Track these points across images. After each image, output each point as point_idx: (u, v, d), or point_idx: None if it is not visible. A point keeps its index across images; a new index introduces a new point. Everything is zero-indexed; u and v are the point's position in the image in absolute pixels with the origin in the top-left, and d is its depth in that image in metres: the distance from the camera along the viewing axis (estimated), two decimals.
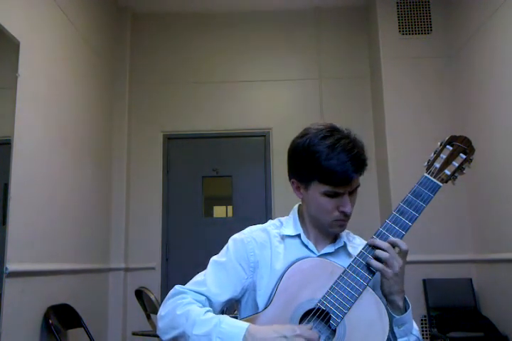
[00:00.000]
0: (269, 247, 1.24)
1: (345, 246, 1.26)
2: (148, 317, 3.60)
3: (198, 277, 1.23)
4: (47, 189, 3.14)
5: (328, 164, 1.13)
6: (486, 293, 3.83)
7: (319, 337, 1.06)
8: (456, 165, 1.18)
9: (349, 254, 1.24)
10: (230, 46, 4.85)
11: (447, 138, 1.21)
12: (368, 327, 1.10)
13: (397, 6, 4.42)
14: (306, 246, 1.24)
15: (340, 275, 1.12)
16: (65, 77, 3.50)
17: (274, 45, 4.84)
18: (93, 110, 4.06)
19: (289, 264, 1.16)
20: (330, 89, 4.73)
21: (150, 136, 4.71)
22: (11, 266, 2.59)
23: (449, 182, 1.19)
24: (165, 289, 4.37)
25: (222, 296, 1.19)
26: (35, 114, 3.03)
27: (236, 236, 1.28)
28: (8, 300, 2.58)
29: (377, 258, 1.12)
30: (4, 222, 2.61)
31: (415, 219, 1.14)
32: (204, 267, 1.26)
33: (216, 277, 1.21)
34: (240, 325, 1.07)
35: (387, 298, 1.14)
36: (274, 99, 4.77)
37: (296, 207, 1.33)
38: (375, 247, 1.13)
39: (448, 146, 1.20)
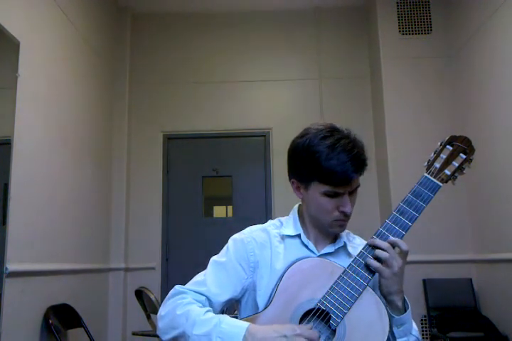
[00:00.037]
0: (269, 247, 1.24)
1: (345, 246, 1.26)
2: (148, 317, 3.60)
3: (198, 277, 1.23)
4: (47, 189, 3.14)
5: (328, 164, 1.13)
6: (486, 293, 3.83)
7: (319, 337, 1.06)
8: (456, 165, 1.18)
9: (349, 254, 1.24)
10: (230, 46, 4.85)
11: (447, 138, 1.21)
12: (368, 327, 1.10)
13: (397, 6, 4.42)
14: (306, 246, 1.24)
15: (340, 275, 1.12)
16: (65, 77, 3.50)
17: (274, 45, 4.84)
18: (93, 110, 4.06)
19: (289, 264, 1.16)
20: (330, 89, 4.73)
21: (150, 136, 4.71)
22: (11, 266, 2.59)
23: (449, 182, 1.19)
24: (165, 289, 4.37)
25: (222, 296, 1.19)
26: (35, 114, 3.03)
27: (236, 236, 1.28)
28: (8, 300, 2.58)
29: (377, 258, 1.12)
30: (4, 222, 2.61)
31: (415, 219, 1.14)
32: (204, 267, 1.26)
33: (216, 277, 1.21)
34: (240, 325, 1.07)
35: (385, 297, 1.13)
36: (274, 99, 4.77)
37: (296, 207, 1.33)
38: (375, 247, 1.13)
39: (448, 146, 1.20)
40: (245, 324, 1.07)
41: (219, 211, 4.88)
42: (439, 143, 1.22)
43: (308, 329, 1.05)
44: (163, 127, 4.74)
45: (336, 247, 1.25)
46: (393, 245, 1.13)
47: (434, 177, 1.17)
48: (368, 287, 1.12)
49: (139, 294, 3.60)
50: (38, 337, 2.92)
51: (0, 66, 2.79)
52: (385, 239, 1.13)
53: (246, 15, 4.89)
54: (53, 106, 3.29)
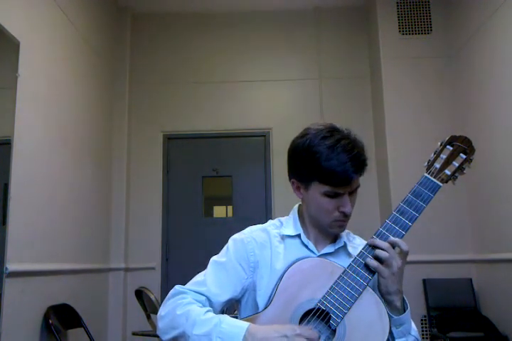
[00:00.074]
0: (269, 247, 1.24)
1: (345, 246, 1.26)
2: (148, 317, 3.60)
3: (198, 277, 1.23)
4: (47, 189, 3.14)
5: (328, 164, 1.13)
6: (486, 293, 3.83)
7: (319, 337, 1.06)
8: (457, 165, 1.18)
9: (349, 254, 1.24)
10: (230, 46, 4.85)
11: (447, 138, 1.21)
12: (368, 327, 1.10)
13: (397, 6, 4.42)
14: (306, 246, 1.24)
15: (340, 275, 1.12)
16: (65, 77, 3.50)
17: (274, 45, 4.84)
18: (93, 110, 4.06)
19: (289, 264, 1.16)
20: (330, 89, 4.73)
21: (150, 136, 4.71)
22: (11, 266, 2.59)
23: (449, 182, 1.19)
24: (165, 289, 4.37)
25: (222, 296, 1.19)
26: (35, 114, 3.03)
27: (236, 236, 1.28)
28: (8, 300, 2.58)
29: (377, 258, 1.12)
30: (4, 222, 2.61)
31: (415, 219, 1.14)
32: (204, 267, 1.26)
33: (216, 277, 1.21)
34: (240, 325, 1.07)
35: (384, 297, 1.13)
36: (274, 99, 4.77)
37: (296, 207, 1.33)
38: (375, 247, 1.13)
39: (448, 146, 1.20)
40: (245, 324, 1.07)
41: (219, 211, 4.88)
42: (439, 143, 1.22)
43: (308, 329, 1.05)
44: (163, 127, 4.74)
45: (336, 247, 1.25)
46: (393, 245, 1.13)
47: (434, 177, 1.17)
48: (368, 287, 1.11)
49: (139, 294, 3.60)
50: (38, 337, 2.92)
51: (0, 66, 2.79)
52: (385, 239, 1.13)
53: (246, 15, 4.89)
54: (53, 106, 3.29)
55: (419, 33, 4.37)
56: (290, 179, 1.26)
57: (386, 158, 4.19)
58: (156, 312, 3.18)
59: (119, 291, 4.31)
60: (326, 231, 1.25)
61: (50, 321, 2.97)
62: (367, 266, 1.12)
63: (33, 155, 2.96)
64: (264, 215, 4.51)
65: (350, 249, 1.25)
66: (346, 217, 1.20)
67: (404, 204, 1.15)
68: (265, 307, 1.13)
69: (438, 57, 4.32)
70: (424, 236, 3.83)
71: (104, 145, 4.29)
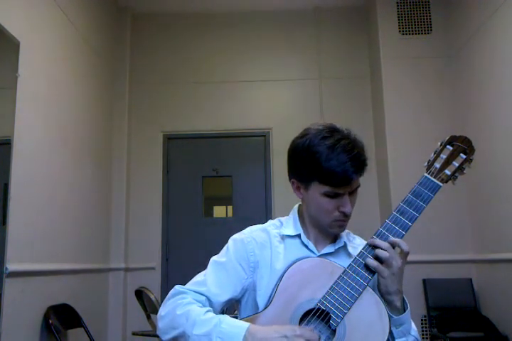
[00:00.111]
0: (269, 247, 1.24)
1: (345, 246, 1.26)
2: (148, 317, 3.60)
3: (198, 277, 1.23)
4: (47, 189, 3.14)
5: (328, 165, 1.13)
6: (486, 293, 3.83)
7: (319, 338, 1.06)
8: (457, 165, 1.18)
9: (349, 254, 1.24)
10: (230, 46, 4.85)
11: (447, 138, 1.21)
12: (368, 327, 1.10)
13: (397, 6, 4.42)
14: (306, 246, 1.24)
15: (340, 275, 1.12)
16: (65, 77, 3.50)
17: (274, 45, 4.84)
18: (93, 110, 4.06)
19: (289, 264, 1.16)
20: (330, 89, 4.73)
21: (150, 136, 4.71)
22: (11, 266, 2.59)
23: (449, 182, 1.19)
24: (165, 289, 4.37)
25: (222, 296, 1.19)
26: (35, 114, 3.03)
27: (236, 236, 1.28)
28: (8, 300, 2.58)
29: (377, 258, 1.12)
30: (4, 222, 2.61)
31: (415, 219, 1.14)
32: (204, 267, 1.26)
33: (216, 277, 1.21)
34: (240, 325, 1.07)
35: (384, 297, 1.13)
36: (274, 99, 4.77)
37: (296, 207, 1.33)
38: (375, 247, 1.13)
39: (448, 146, 1.20)
40: (245, 324, 1.07)
41: (219, 211, 4.88)
42: (439, 143, 1.22)
43: (308, 330, 1.05)
44: (163, 127, 4.74)
45: (336, 247, 1.25)
46: (394, 245, 1.13)
47: (434, 177, 1.17)
48: (368, 287, 1.11)
49: (139, 294, 3.60)
50: (38, 337, 2.92)
51: (0, 66, 2.79)
52: (385, 239, 1.13)
53: (246, 15, 4.89)
54: (53, 106, 3.29)
55: (419, 33, 4.37)
56: (290, 179, 1.26)
57: (386, 158, 4.19)
58: (156, 312, 3.18)
59: (119, 291, 4.31)
60: (326, 231, 1.25)
61: (50, 321, 2.97)
62: (367, 266, 1.12)
63: (33, 155, 2.96)
64: (264, 215, 4.51)
65: (350, 249, 1.25)
66: (346, 217, 1.20)
67: (404, 204, 1.15)
68: (265, 307, 1.13)
69: (438, 57, 4.32)
70: (424, 236, 3.83)
71: (104, 145, 4.29)
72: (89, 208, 3.88)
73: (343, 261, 1.19)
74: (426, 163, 1.21)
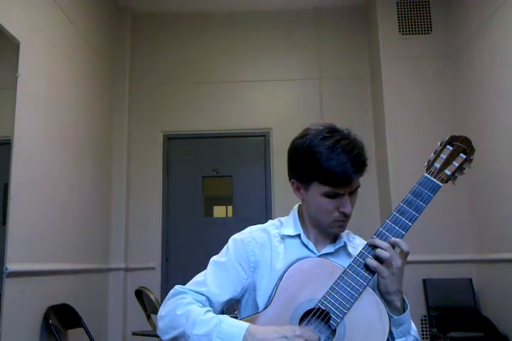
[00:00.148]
0: (269, 247, 1.24)
1: (345, 246, 1.26)
2: (148, 317, 3.60)
3: (198, 277, 1.23)
4: (47, 189, 3.14)
5: (328, 165, 1.13)
6: (486, 293, 3.83)
7: (319, 338, 1.06)
8: (457, 165, 1.18)
9: (349, 254, 1.24)
10: (230, 46, 4.85)
11: (447, 138, 1.21)
12: (368, 327, 1.10)
13: (397, 6, 4.42)
14: (306, 246, 1.24)
15: (340, 275, 1.12)
16: (65, 77, 3.50)
17: (274, 45, 4.84)
18: (93, 110, 4.06)
19: (289, 264, 1.16)
20: (330, 89, 4.73)
21: (150, 136, 4.71)
22: (11, 266, 2.59)
23: (449, 182, 1.19)
24: (165, 289, 4.37)
25: (222, 296, 1.19)
26: (35, 114, 3.03)
27: (236, 236, 1.28)
28: (8, 300, 2.58)
29: (377, 258, 1.12)
30: (4, 222, 2.61)
31: (415, 219, 1.14)
32: (204, 267, 1.26)
33: (216, 277, 1.21)
34: (240, 325, 1.07)
35: (384, 297, 1.13)
36: (274, 99, 4.77)
37: (296, 207, 1.33)
38: (375, 247, 1.13)
39: (448, 146, 1.20)
40: (245, 324, 1.07)
41: (219, 211, 4.88)
42: (439, 143, 1.22)
43: (308, 330, 1.05)
44: (163, 127, 4.74)
45: (336, 247, 1.25)
46: (394, 245, 1.13)
47: (434, 177, 1.17)
48: (368, 287, 1.11)
49: (139, 294, 3.60)
50: (38, 337, 2.92)
51: (0, 66, 2.79)
52: (385, 239, 1.13)
53: (246, 15, 4.89)
54: (53, 106, 3.29)
55: (419, 33, 4.37)
56: (290, 179, 1.26)
57: (386, 158, 4.19)
58: (156, 312, 3.19)
59: (119, 291, 4.31)
60: (326, 232, 1.25)
61: (50, 321, 2.97)
62: (367, 266, 1.12)
63: (33, 155, 2.96)
64: (264, 215, 4.51)
65: (350, 249, 1.25)
66: (346, 217, 1.19)
67: (404, 204, 1.15)
68: (265, 307, 1.13)
69: (438, 57, 4.32)
70: (424, 236, 3.83)
71: (104, 145, 4.29)
72: (89, 208, 3.88)
73: (343, 261, 1.19)
74: (426, 163, 1.20)
